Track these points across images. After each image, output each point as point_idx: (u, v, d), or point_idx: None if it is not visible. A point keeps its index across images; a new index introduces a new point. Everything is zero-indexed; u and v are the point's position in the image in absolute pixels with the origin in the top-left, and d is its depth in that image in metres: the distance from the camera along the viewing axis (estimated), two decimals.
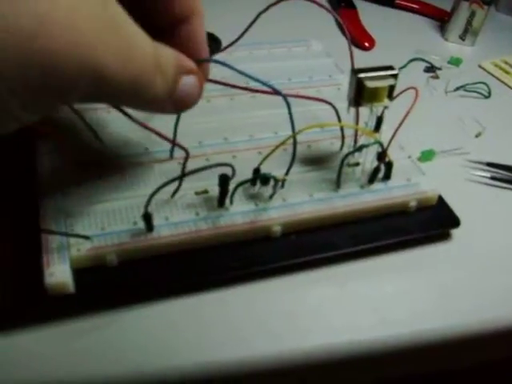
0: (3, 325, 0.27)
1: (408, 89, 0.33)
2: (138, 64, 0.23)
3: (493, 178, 0.40)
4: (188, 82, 0.26)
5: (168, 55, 0.25)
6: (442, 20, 0.59)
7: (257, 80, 0.29)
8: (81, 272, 0.28)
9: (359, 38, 0.53)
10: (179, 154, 0.34)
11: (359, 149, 0.33)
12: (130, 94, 0.24)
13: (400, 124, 0.33)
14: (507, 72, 0.52)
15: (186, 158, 0.30)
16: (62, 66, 0.20)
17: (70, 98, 0.22)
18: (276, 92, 0.29)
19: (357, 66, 0.36)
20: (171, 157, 0.34)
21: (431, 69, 0.50)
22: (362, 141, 0.35)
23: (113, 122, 0.36)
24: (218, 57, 0.41)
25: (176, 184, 0.30)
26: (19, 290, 0.28)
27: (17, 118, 0.21)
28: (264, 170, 0.32)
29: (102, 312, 0.29)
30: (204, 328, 0.29)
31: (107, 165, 0.33)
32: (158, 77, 0.24)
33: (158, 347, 0.28)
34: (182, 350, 0.28)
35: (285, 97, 0.29)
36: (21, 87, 0.19)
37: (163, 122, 0.36)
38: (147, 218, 0.29)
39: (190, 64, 0.27)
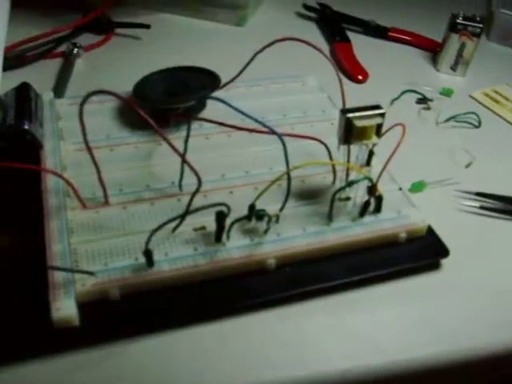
0: (12, 357, 0.29)
1: (395, 125, 0.35)
2: None
3: (482, 208, 0.41)
4: None
5: None
6: (434, 51, 0.61)
7: (254, 120, 0.31)
8: (85, 305, 0.30)
9: (353, 72, 0.55)
10: (177, 190, 0.36)
11: (349, 184, 0.34)
12: None
13: (388, 160, 0.34)
14: (497, 101, 0.54)
15: (197, 190, 0.32)
16: None
17: None
18: (272, 132, 0.31)
19: (350, 99, 0.38)
20: (180, 190, 0.36)
21: (423, 100, 0.52)
22: (353, 174, 0.36)
23: (115, 160, 0.38)
24: (216, 94, 0.43)
25: (176, 220, 0.32)
26: (27, 324, 0.29)
27: None
28: (260, 204, 0.33)
29: (106, 343, 0.30)
30: (203, 358, 0.30)
31: (110, 201, 0.35)
32: None
33: (159, 376, 0.29)
34: (182, 380, 0.29)
35: (281, 137, 0.31)
36: None
37: (164, 160, 0.38)
38: (148, 254, 0.31)
39: None
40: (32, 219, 0.34)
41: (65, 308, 0.29)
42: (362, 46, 0.60)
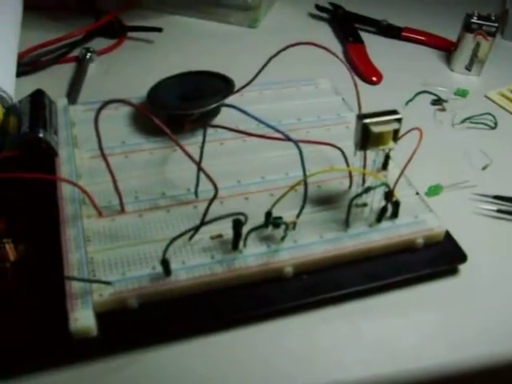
0: (30, 368, 0.29)
1: (412, 129, 0.34)
2: None
3: (500, 211, 0.41)
4: None
5: None
6: (448, 50, 0.60)
7: (270, 126, 0.31)
8: (103, 315, 0.30)
9: (366, 73, 0.55)
10: (193, 197, 0.36)
11: (366, 191, 0.34)
12: None
13: (405, 166, 0.34)
14: None
15: (213, 198, 0.32)
16: None
17: None
18: (288, 139, 0.31)
19: (365, 101, 0.38)
20: (196, 197, 0.36)
21: (438, 101, 0.52)
22: (370, 179, 0.36)
23: (130, 167, 0.38)
24: (231, 98, 0.43)
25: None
26: (45, 335, 0.29)
27: None
28: (276, 210, 0.33)
29: (124, 353, 0.30)
30: (220, 368, 0.30)
31: (126, 209, 0.35)
32: None
33: None
34: None
35: (297, 144, 0.31)
36: None
37: (180, 166, 0.38)
38: (165, 263, 0.31)
39: None
40: (48, 227, 0.34)
41: (83, 318, 0.29)
42: (375, 46, 0.60)
